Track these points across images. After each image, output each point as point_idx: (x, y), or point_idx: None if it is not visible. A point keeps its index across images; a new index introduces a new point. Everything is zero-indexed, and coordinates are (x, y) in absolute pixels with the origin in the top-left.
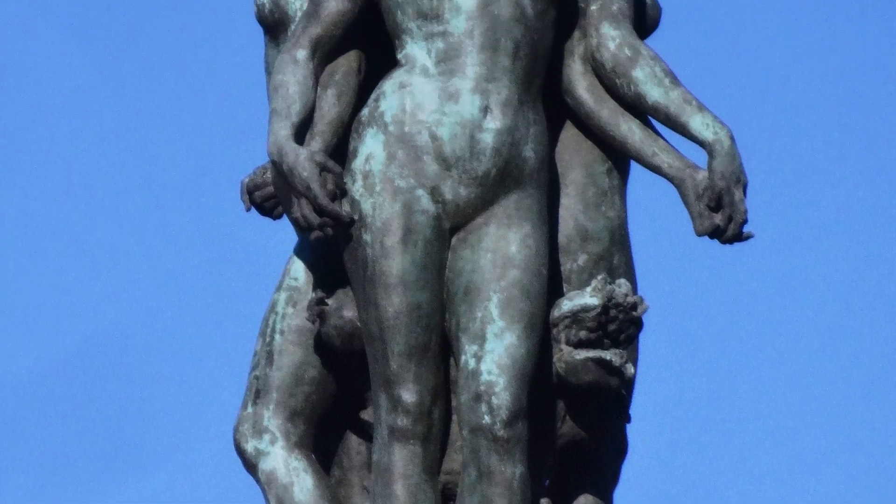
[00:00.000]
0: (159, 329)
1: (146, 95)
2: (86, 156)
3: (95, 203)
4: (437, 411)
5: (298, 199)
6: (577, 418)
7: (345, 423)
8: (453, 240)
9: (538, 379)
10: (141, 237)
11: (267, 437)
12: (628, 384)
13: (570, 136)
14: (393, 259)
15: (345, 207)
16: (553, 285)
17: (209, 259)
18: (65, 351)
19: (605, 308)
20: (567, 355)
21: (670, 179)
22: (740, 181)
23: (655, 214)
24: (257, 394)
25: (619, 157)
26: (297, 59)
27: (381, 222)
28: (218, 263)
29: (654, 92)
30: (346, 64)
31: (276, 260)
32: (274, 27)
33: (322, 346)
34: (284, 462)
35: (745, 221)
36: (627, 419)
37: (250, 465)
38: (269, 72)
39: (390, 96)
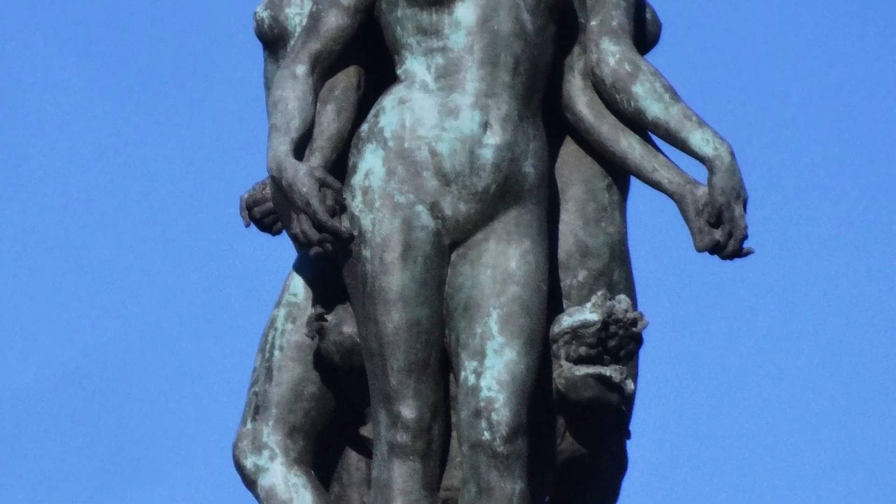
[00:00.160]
0: (159, 344)
1: (146, 111)
2: (85, 171)
3: (95, 218)
4: (436, 427)
5: (298, 214)
6: (576, 434)
7: (344, 439)
8: (453, 255)
9: (538, 395)
10: (140, 253)
11: (266, 453)
12: (628, 400)
13: (569, 151)
14: (392, 275)
15: (344, 223)
16: (553, 301)
17: (208, 275)
18: (64, 366)
19: (605, 324)
20: (567, 371)
21: (670, 195)
22: (740, 197)
23: (655, 230)
24: (256, 410)
25: (619, 173)
26: (296, 74)
27: (380, 238)
28: (217, 279)
29: (654, 107)
30: (346, 79)
31: (275, 276)
32: (273, 42)
33: (321, 361)
34: (284, 478)
35: (745, 237)
36: (627, 435)
37: (249, 482)
38: (268, 87)
39: (390, 112)
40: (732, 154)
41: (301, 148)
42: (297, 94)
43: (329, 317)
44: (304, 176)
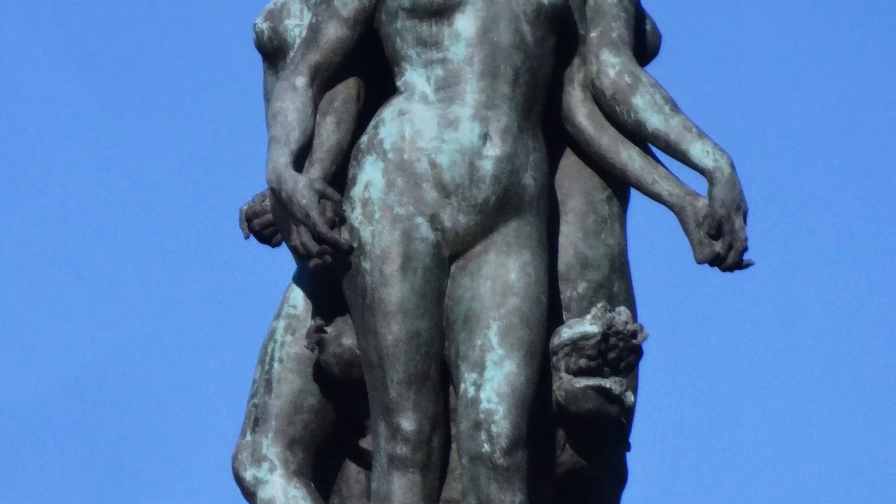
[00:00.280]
0: (158, 357)
1: (146, 122)
2: (85, 182)
3: (95, 229)
4: (436, 439)
5: (297, 226)
6: (576, 446)
7: (344, 451)
8: (453, 267)
9: (538, 407)
10: (140, 264)
11: (266, 465)
12: (628, 412)
13: (569, 163)
14: (392, 287)
15: (344, 235)
16: (553, 313)
17: (208, 287)
18: (64, 377)
19: (605, 336)
20: (567, 383)
21: (670, 207)
22: (740, 209)
23: (655, 242)
24: (256, 422)
25: (618, 185)
26: (295, 86)
27: (380, 250)
28: (217, 291)
29: (653, 119)
30: (346, 91)
31: (274, 287)
32: (273, 54)
33: (321, 373)
34: (283, 490)
35: (745, 249)
36: (627, 447)
37: (249, 494)
38: (267, 99)
39: (389, 123)
40: (732, 166)
41: (301, 160)
42: (296, 105)
43: (329, 329)
44: (303, 188)
